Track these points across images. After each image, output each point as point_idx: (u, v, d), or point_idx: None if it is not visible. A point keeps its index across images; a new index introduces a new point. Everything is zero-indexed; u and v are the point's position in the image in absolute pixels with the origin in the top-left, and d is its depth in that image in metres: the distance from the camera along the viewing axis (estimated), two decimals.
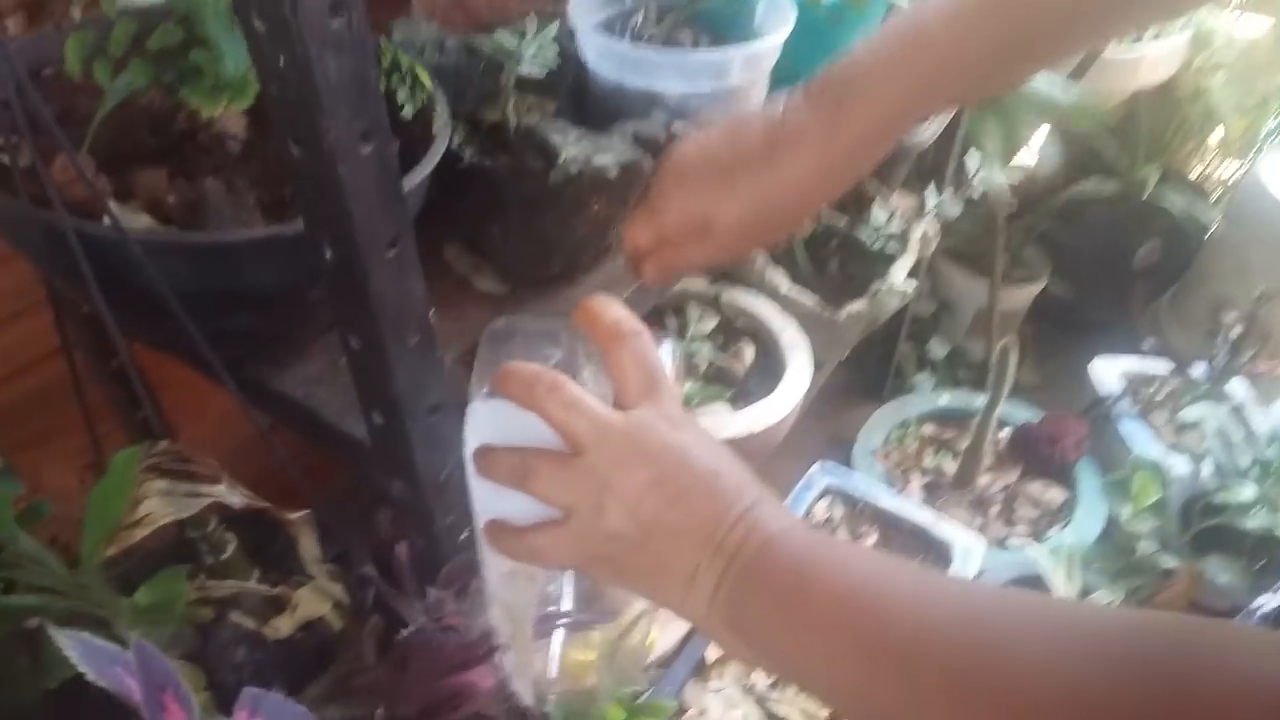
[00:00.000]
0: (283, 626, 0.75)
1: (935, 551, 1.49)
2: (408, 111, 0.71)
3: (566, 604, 0.60)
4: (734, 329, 1.38)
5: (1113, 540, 1.61)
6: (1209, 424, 1.51)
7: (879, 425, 1.84)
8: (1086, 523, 1.66)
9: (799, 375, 1.24)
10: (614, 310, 0.55)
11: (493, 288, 0.83)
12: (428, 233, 0.76)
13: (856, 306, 1.34)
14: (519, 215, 0.78)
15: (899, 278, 1.35)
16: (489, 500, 0.56)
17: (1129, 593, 1.44)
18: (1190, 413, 1.62)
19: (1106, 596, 1.39)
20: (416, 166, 0.68)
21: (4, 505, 0.56)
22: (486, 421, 0.57)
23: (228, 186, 0.65)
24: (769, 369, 1.29)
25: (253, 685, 0.78)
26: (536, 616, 0.60)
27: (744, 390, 1.26)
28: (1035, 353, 2.25)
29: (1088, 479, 1.74)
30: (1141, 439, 1.74)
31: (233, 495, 0.63)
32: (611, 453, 0.50)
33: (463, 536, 0.73)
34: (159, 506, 0.58)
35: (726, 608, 0.49)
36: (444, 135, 0.72)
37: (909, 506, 1.53)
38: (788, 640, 0.48)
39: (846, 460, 1.83)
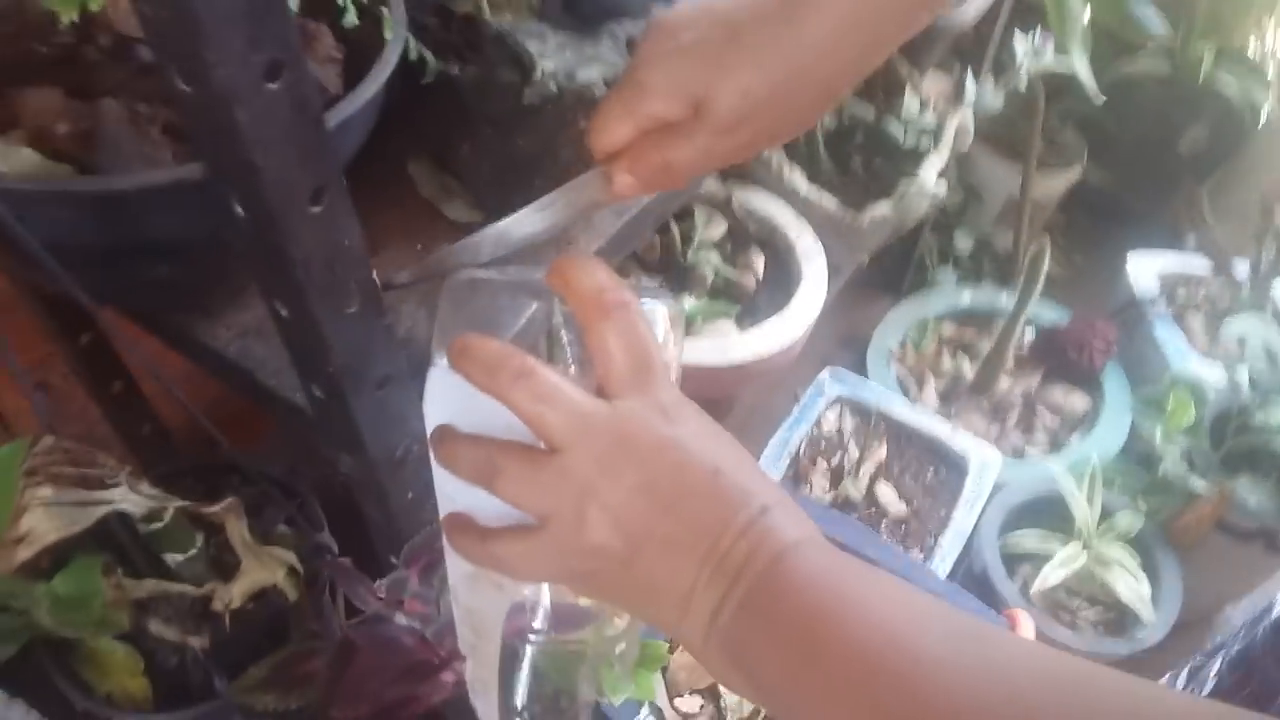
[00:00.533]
0: (233, 595, 0.68)
1: (950, 464, 1.41)
2: (350, 18, 0.58)
3: (540, 618, 0.52)
4: (744, 236, 1.26)
5: (1135, 454, 1.54)
6: (1252, 340, 1.40)
7: (895, 324, 1.74)
8: (1109, 433, 1.58)
9: (814, 289, 1.13)
10: (595, 275, 0.45)
11: (464, 215, 0.72)
12: (388, 146, 0.65)
13: (881, 210, 1.22)
14: (491, 134, 0.66)
15: (930, 178, 1.22)
16: (452, 489, 0.47)
17: (1150, 512, 1.37)
18: (1232, 326, 1.51)
19: (1128, 519, 1.32)
20: (361, 83, 0.56)
21: None
22: (447, 397, 0.48)
23: (129, 109, 0.54)
24: (781, 281, 1.18)
25: (195, 668, 0.73)
26: (505, 627, 0.52)
27: (752, 306, 1.16)
28: (1066, 245, 2.13)
29: (1114, 386, 1.65)
30: (1175, 344, 1.64)
31: (134, 496, 0.55)
32: (594, 452, 0.42)
33: (427, 513, 0.64)
34: (43, 522, 0.49)
35: (726, 638, 0.41)
36: (398, 41, 0.60)
37: (924, 417, 1.45)
38: (795, 691, 0.40)
39: (859, 360, 1.74)
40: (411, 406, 0.59)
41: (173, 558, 0.64)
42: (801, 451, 1.38)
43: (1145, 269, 1.79)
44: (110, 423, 0.96)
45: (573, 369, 0.51)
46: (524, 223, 0.54)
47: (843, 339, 1.79)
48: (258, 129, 0.41)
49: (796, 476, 1.37)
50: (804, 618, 0.40)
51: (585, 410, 0.43)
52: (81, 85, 0.55)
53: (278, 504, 0.69)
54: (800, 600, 0.40)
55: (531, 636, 0.51)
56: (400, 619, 0.59)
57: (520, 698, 0.51)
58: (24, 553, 0.48)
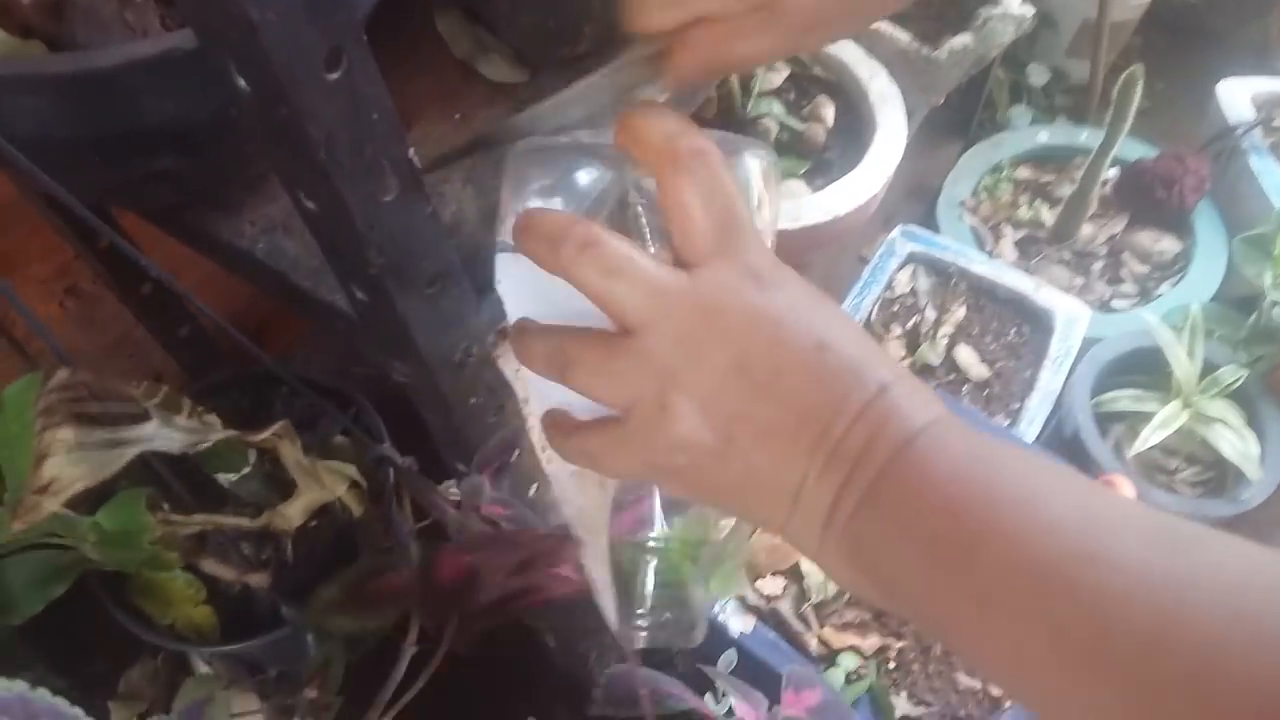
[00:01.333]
0: (292, 515, 0.62)
1: (1034, 321, 1.32)
2: None
3: (650, 519, 0.47)
4: (810, 81, 1.13)
5: (1232, 300, 1.43)
6: None
7: (967, 171, 1.62)
8: (1203, 279, 1.47)
9: (891, 139, 1.02)
10: (665, 123, 0.38)
11: (505, 74, 0.62)
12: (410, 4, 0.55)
13: (961, 40, 1.08)
14: None
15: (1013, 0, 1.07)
16: (542, 384, 0.41)
17: (1251, 363, 1.27)
18: None
19: (1232, 373, 1.22)
20: None
21: None
22: (519, 283, 0.43)
23: None
24: (854, 131, 1.06)
25: (261, 595, 0.68)
26: (614, 527, 0.46)
27: (823, 162, 1.05)
28: (1146, 72, 1.95)
29: (1207, 226, 1.53)
30: (1275, 177, 1.50)
31: (168, 431, 0.48)
32: (674, 330, 0.36)
33: (493, 417, 0.58)
34: (67, 468, 0.42)
35: (847, 537, 0.35)
36: None
37: (1004, 272, 1.35)
38: (941, 602, 0.34)
39: (927, 212, 1.63)
40: (467, 303, 0.51)
41: (226, 478, 0.59)
42: (874, 317, 1.29)
43: (1237, 95, 1.63)
44: (144, 326, 0.90)
45: (652, 248, 0.43)
46: (565, 107, 0.46)
47: (909, 190, 1.66)
48: None
49: None
50: (948, 514, 0.33)
51: (662, 282, 0.36)
52: None
53: (332, 414, 0.63)
54: (942, 493, 0.33)
55: (641, 537, 0.46)
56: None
57: (638, 601, 0.47)
58: (50, 503, 0.42)
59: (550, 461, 0.48)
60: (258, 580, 0.59)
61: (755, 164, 0.45)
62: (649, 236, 0.44)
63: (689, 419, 0.36)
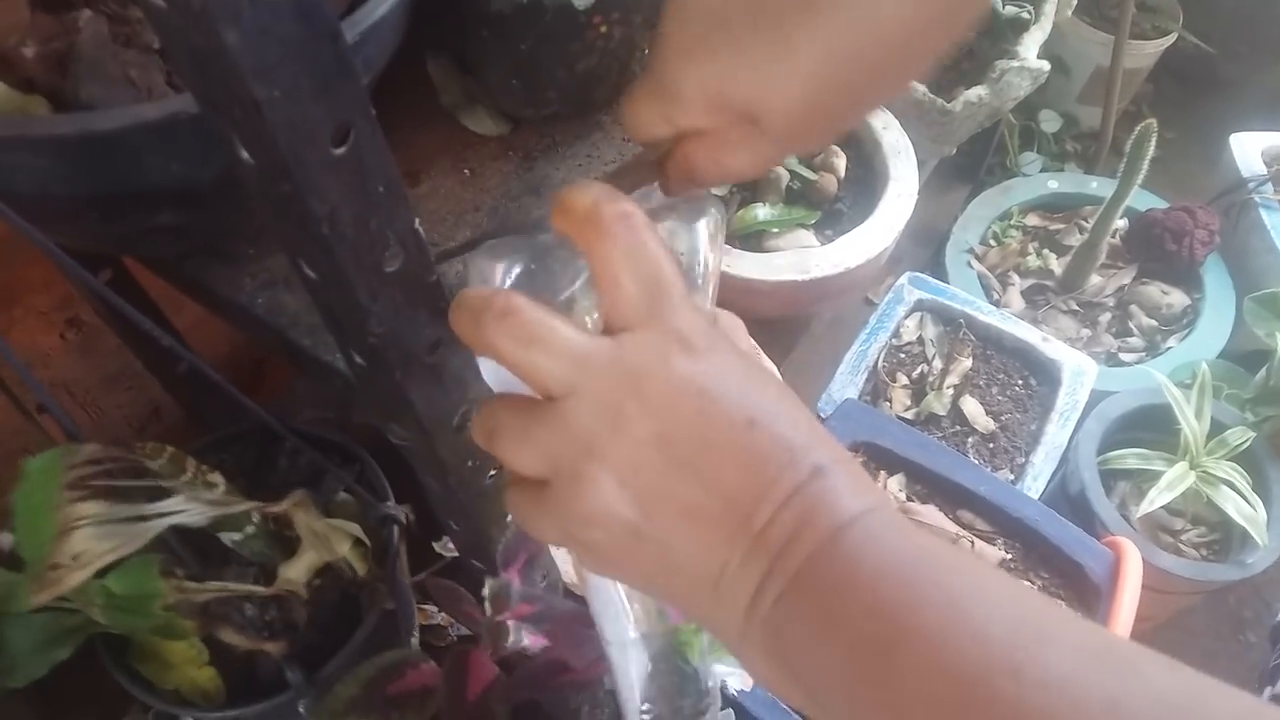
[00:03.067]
0: (295, 575, 0.61)
1: (1041, 373, 1.30)
2: None
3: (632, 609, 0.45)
4: None
5: (1239, 357, 1.42)
6: None
7: (976, 218, 1.61)
8: (1210, 335, 1.45)
9: (903, 191, 1.01)
10: (590, 192, 0.36)
11: (488, 127, 0.61)
12: (406, 43, 0.55)
13: (976, 92, 1.08)
14: (490, 36, 0.55)
15: (1030, 53, 1.07)
16: None
17: (1258, 422, 1.26)
18: None
19: (1241, 434, 1.21)
20: None
21: None
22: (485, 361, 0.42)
23: (112, 21, 0.44)
24: (866, 182, 1.05)
25: (264, 657, 0.66)
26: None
27: (833, 212, 1.04)
28: (1158, 120, 1.95)
29: (1216, 280, 1.52)
30: None
31: (195, 504, 0.47)
32: (594, 398, 0.34)
33: (489, 480, 0.56)
34: (94, 542, 0.41)
35: (768, 630, 0.33)
36: None
37: (1012, 323, 1.33)
38: (860, 704, 0.31)
39: (934, 257, 1.62)
40: (468, 368, 0.50)
41: (229, 537, 0.57)
42: (880, 364, 1.28)
43: (1249, 149, 1.63)
44: (143, 363, 0.89)
45: None
46: None
47: (916, 233, 1.65)
48: (255, 52, 0.31)
49: (875, 391, 1.27)
50: (872, 612, 0.31)
51: (583, 350, 0.35)
52: None
53: (335, 474, 0.62)
54: (868, 590, 0.31)
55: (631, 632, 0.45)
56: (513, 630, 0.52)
57: (639, 694, 0.45)
58: (76, 576, 0.41)
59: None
60: (276, 649, 0.57)
61: (703, 225, 0.43)
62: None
63: (605, 492, 0.34)
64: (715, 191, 1.12)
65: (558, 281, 0.41)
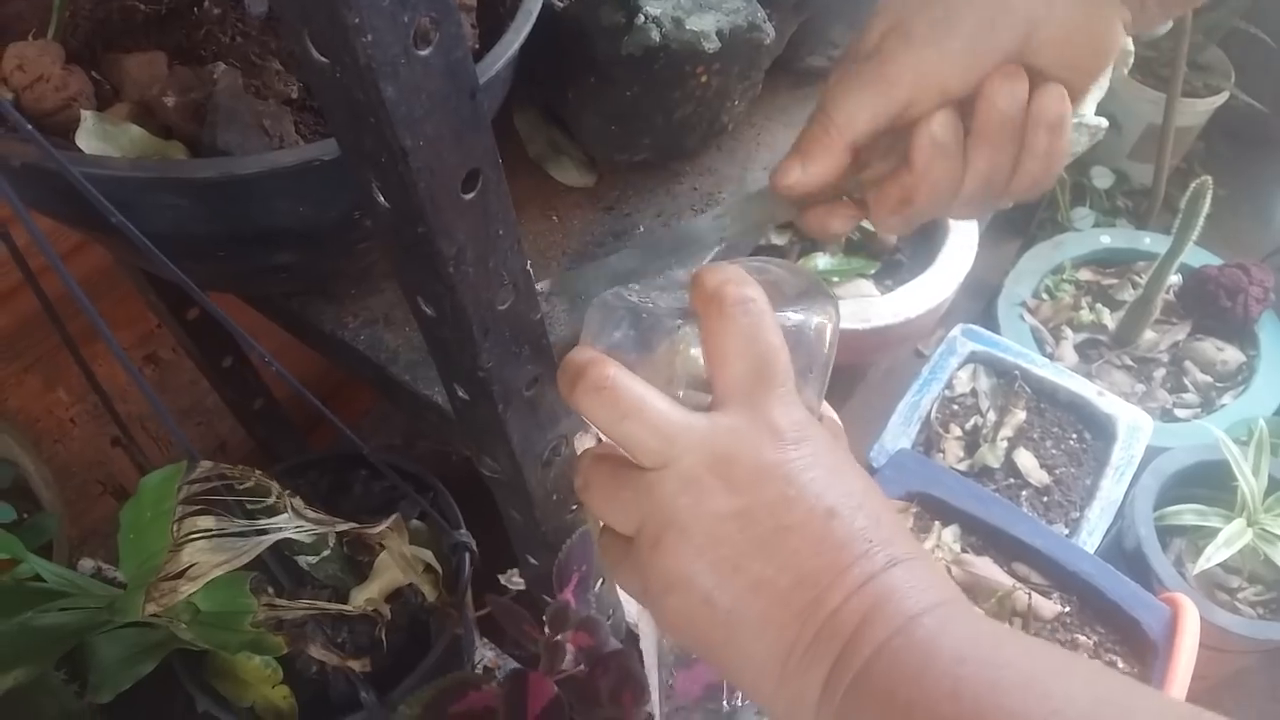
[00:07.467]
0: (363, 599, 0.63)
1: (1096, 428, 1.30)
2: None
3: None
4: None
5: None
6: None
7: (1029, 271, 1.62)
8: (1267, 390, 1.45)
9: (963, 244, 1.03)
10: (721, 274, 0.39)
11: (574, 178, 0.64)
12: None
13: None
14: (594, 83, 0.58)
15: (1089, 109, 1.09)
16: None
17: None
18: None
19: None
20: (504, 36, 0.49)
21: (15, 546, 0.44)
22: None
23: (246, 74, 0.47)
24: (925, 233, 1.07)
25: (336, 676, 0.68)
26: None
27: (892, 263, 1.06)
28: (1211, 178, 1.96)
29: (1271, 338, 1.51)
30: None
31: (300, 523, 0.49)
32: (682, 473, 0.37)
33: (570, 513, 0.58)
34: (206, 555, 0.44)
35: (840, 718, 0.33)
36: None
37: (1067, 375, 1.34)
38: None
39: (986, 308, 1.63)
40: (560, 403, 0.52)
41: (306, 560, 0.60)
42: (933, 415, 1.28)
43: None
44: (220, 397, 0.93)
45: None
46: (692, 232, 0.47)
47: (967, 287, 1.67)
48: (408, 106, 0.33)
49: (928, 442, 1.27)
50: (956, 698, 0.31)
51: (674, 427, 0.37)
52: (190, 49, 0.49)
53: (412, 498, 0.64)
54: (949, 678, 0.31)
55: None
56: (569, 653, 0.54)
57: None
58: (188, 588, 0.43)
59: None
60: (360, 665, 0.59)
61: (813, 321, 0.44)
62: None
63: (682, 559, 0.36)
64: (774, 240, 1.14)
65: (664, 323, 0.43)
